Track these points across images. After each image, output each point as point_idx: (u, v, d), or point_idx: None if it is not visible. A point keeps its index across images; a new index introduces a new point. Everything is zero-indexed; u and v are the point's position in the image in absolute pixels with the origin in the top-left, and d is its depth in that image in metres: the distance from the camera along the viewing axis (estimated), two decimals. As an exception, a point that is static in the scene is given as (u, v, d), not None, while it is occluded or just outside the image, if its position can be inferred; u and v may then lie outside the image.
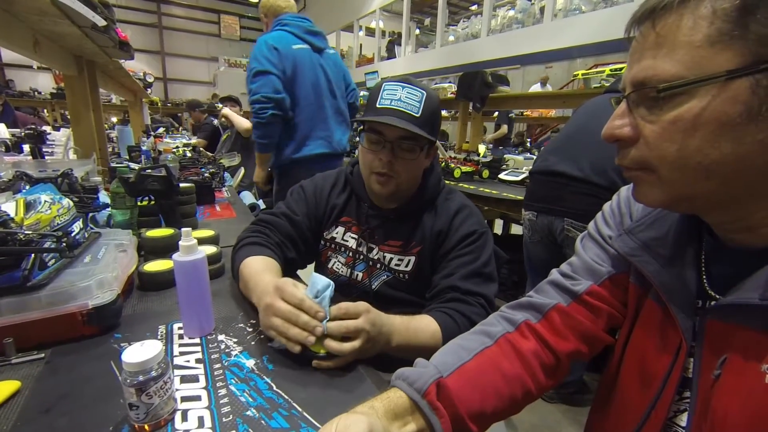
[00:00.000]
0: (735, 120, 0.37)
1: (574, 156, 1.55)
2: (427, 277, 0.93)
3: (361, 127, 0.91)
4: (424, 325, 0.77)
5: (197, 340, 0.71)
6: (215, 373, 0.62)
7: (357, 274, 0.98)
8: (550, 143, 1.88)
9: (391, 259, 0.95)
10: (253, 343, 0.71)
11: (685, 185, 0.42)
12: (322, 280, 0.66)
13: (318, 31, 2.07)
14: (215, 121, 4.72)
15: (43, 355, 0.63)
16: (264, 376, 0.62)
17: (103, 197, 1.24)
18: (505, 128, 5.82)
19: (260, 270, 0.81)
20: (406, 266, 0.93)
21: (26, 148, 1.65)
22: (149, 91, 4.45)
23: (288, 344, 0.63)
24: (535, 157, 2.44)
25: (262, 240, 0.92)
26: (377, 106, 0.87)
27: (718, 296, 0.47)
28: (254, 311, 0.82)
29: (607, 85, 2.26)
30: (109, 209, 1.14)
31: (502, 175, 2.81)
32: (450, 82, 4.19)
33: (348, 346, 0.63)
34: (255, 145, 1.99)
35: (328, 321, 0.64)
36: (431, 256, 0.93)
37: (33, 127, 1.67)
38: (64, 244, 0.72)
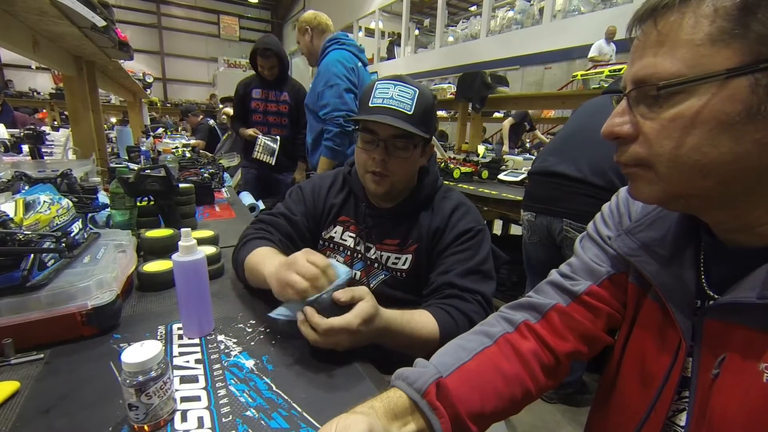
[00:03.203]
0: (734, 119, 0.37)
1: (573, 157, 1.55)
2: (425, 275, 0.93)
3: (356, 126, 0.92)
4: (422, 320, 0.77)
5: (197, 341, 0.71)
6: (215, 373, 0.62)
7: (355, 273, 0.98)
8: (549, 144, 1.88)
9: (389, 257, 0.95)
10: (252, 343, 0.71)
11: (681, 183, 0.42)
12: (343, 268, 0.69)
13: (363, 48, 2.30)
14: (210, 121, 4.74)
15: (42, 355, 0.63)
16: (263, 377, 0.62)
17: (103, 197, 1.24)
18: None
19: (272, 254, 0.82)
20: (404, 264, 0.94)
21: (25, 148, 1.65)
22: (148, 91, 4.45)
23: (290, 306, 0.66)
24: (534, 158, 2.45)
25: (266, 236, 0.93)
26: (370, 105, 0.87)
27: (716, 296, 0.47)
28: (254, 311, 0.82)
29: (606, 85, 2.27)
30: (109, 209, 1.14)
31: (501, 176, 2.82)
32: (449, 83, 4.20)
33: (343, 320, 0.63)
34: (326, 151, 2.11)
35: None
36: (428, 254, 0.93)
37: (32, 127, 1.67)
38: (64, 244, 0.72)
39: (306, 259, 0.66)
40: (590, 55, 6.10)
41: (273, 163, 2.71)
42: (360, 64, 2.19)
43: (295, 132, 2.82)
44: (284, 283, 0.66)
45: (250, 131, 2.72)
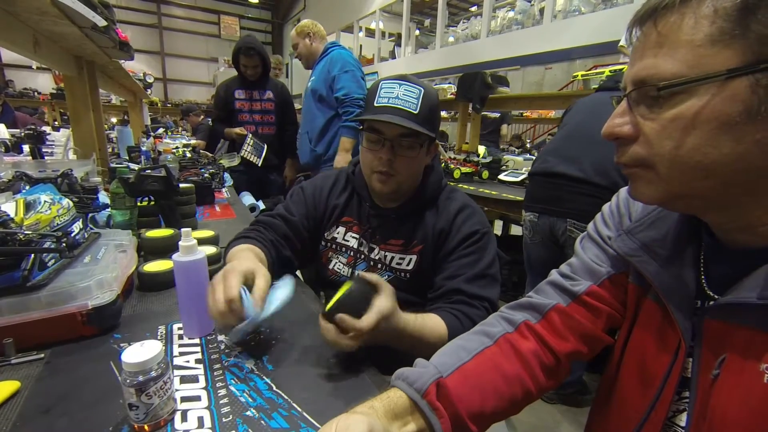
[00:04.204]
0: (734, 119, 0.37)
1: (574, 157, 1.55)
2: (428, 276, 0.93)
3: (361, 126, 0.92)
4: (432, 323, 0.78)
5: (197, 341, 0.71)
6: (215, 373, 0.62)
7: (358, 274, 0.97)
8: (548, 144, 1.89)
9: (393, 258, 0.94)
10: (252, 343, 0.71)
11: (682, 183, 0.42)
12: (272, 306, 0.67)
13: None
14: (210, 121, 4.73)
15: (42, 355, 0.63)
16: (264, 377, 0.62)
17: (103, 197, 1.24)
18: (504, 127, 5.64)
19: (234, 254, 0.82)
20: (408, 265, 0.93)
21: (26, 148, 1.65)
22: (149, 91, 4.45)
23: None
24: (534, 158, 2.45)
25: (253, 235, 0.93)
26: (375, 104, 0.87)
27: (716, 296, 0.47)
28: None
29: (605, 84, 2.26)
30: (109, 209, 1.14)
31: (501, 176, 2.82)
32: (450, 83, 4.20)
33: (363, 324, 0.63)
34: (347, 131, 2.24)
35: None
36: (433, 255, 0.92)
37: (33, 127, 1.67)
38: (64, 244, 0.72)
39: (219, 290, 0.65)
40: (621, 44, 5.78)
41: (259, 164, 2.69)
42: None
43: (281, 130, 2.82)
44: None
45: (237, 130, 2.71)
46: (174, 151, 2.70)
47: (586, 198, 1.50)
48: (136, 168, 1.13)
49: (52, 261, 0.71)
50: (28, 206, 0.73)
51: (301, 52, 2.48)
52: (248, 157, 2.65)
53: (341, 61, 2.25)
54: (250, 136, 2.68)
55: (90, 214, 1.08)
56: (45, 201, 0.76)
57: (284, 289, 0.71)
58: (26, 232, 0.67)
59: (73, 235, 0.78)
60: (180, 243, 0.68)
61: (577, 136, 1.61)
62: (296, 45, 2.48)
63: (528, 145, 5.88)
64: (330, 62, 2.29)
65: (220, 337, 0.72)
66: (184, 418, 0.53)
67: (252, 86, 2.70)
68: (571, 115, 1.73)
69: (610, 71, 2.72)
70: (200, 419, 0.53)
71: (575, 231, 1.54)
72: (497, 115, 5.04)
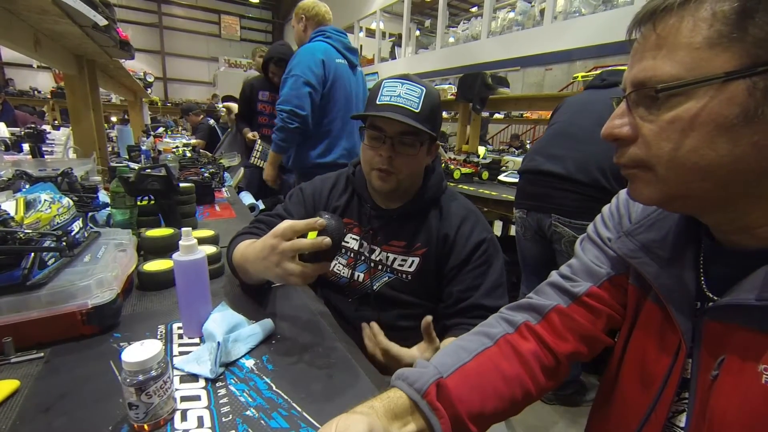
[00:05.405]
0: (731, 121, 0.37)
1: (559, 155, 1.61)
2: (431, 279, 0.92)
3: (363, 125, 0.92)
4: None
5: (197, 340, 0.71)
6: (215, 372, 0.62)
7: (358, 276, 0.97)
8: (536, 143, 1.93)
9: (395, 259, 0.94)
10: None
11: (680, 184, 0.42)
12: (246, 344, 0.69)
13: (354, 48, 2.16)
14: (210, 121, 4.75)
15: (42, 354, 0.63)
16: (263, 376, 0.62)
17: (103, 197, 1.24)
18: None
19: (250, 242, 0.83)
20: (410, 267, 0.93)
21: (26, 147, 1.65)
22: (149, 90, 4.45)
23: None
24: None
25: (255, 231, 0.94)
26: (377, 102, 0.87)
27: (716, 297, 0.47)
28: (253, 310, 0.82)
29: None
30: (109, 209, 1.14)
31: (501, 177, 2.83)
32: (450, 84, 4.20)
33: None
34: (272, 144, 2.06)
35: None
36: (437, 260, 0.92)
37: (33, 126, 1.67)
38: (64, 243, 0.72)
39: (278, 236, 0.68)
40: None
41: None
42: (341, 60, 2.04)
43: None
44: (287, 273, 0.67)
45: (250, 135, 2.72)
46: (174, 150, 2.70)
47: (570, 194, 1.55)
48: (136, 167, 1.13)
49: (52, 260, 0.71)
50: (28, 205, 0.73)
51: (294, 37, 2.22)
52: (257, 163, 2.64)
53: (295, 61, 1.95)
54: (259, 141, 2.68)
55: (90, 213, 1.08)
56: (45, 200, 0.76)
57: (260, 327, 0.73)
58: (26, 230, 0.67)
59: (73, 234, 0.78)
60: (180, 242, 0.68)
61: (562, 135, 1.67)
62: (293, 27, 2.24)
63: (528, 146, 5.89)
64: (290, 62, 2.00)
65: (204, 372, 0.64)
66: (183, 418, 0.53)
67: (277, 89, 2.69)
68: (559, 114, 1.78)
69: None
70: (200, 419, 0.53)
71: (559, 225, 1.60)
72: (488, 114, 5.12)
